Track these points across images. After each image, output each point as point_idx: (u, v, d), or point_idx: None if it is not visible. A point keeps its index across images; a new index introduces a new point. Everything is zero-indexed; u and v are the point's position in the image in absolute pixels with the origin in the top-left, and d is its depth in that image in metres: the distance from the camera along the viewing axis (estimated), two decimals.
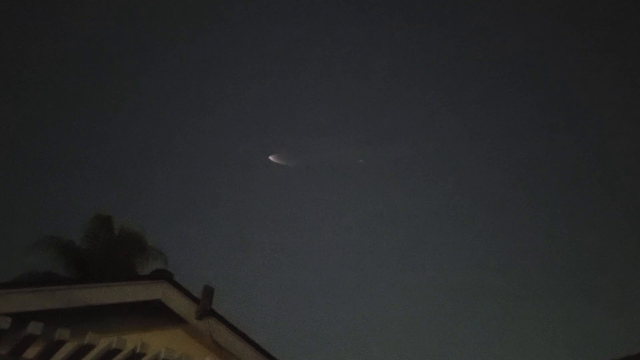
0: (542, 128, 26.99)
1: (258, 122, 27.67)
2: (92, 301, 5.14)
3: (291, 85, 27.43)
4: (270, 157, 26.03)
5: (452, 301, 24.85)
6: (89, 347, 3.23)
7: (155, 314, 5.63)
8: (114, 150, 26.51)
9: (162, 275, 5.80)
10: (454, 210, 27.10)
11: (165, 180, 26.27)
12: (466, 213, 26.83)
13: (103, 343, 3.30)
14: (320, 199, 27.39)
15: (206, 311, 5.69)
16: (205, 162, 27.42)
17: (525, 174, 27.14)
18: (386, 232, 27.13)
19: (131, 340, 3.76)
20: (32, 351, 3.42)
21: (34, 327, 3.09)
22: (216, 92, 26.53)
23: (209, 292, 5.89)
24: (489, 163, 26.99)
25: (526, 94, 26.82)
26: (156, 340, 4.94)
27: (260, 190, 26.72)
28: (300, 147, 27.56)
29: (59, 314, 4.61)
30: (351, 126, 28.05)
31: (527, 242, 26.32)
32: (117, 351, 3.36)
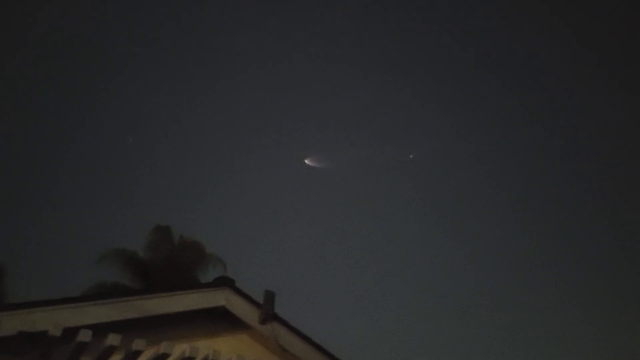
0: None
1: (290, 126, 27.82)
2: (161, 310, 5.30)
3: (325, 85, 27.43)
4: (306, 161, 25.92)
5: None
6: (164, 356, 3.35)
7: (219, 320, 5.74)
8: (152, 162, 27.42)
9: (225, 282, 5.91)
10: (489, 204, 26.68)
11: (208, 188, 26.91)
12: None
13: (177, 351, 3.41)
14: (366, 201, 27.17)
15: (269, 315, 5.75)
16: (240, 168, 27.87)
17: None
18: (443, 233, 26.69)
19: (200, 347, 3.86)
20: None
21: (113, 339, 3.24)
22: (243, 98, 26.94)
23: (270, 296, 5.95)
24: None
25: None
26: (223, 345, 5.04)
27: (296, 194, 26.85)
28: (336, 148, 27.44)
29: (129, 323, 4.81)
30: (397, 121, 27.74)
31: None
32: (190, 359, 3.46)
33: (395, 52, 26.73)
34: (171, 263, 15.48)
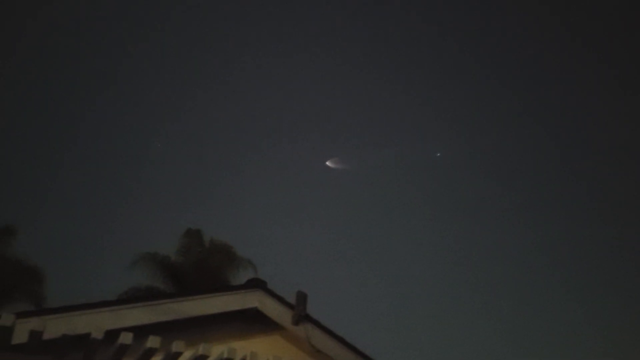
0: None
1: (311, 129, 27.84)
2: (196, 312, 5.39)
3: (345, 87, 27.35)
4: (328, 163, 25.92)
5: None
6: (202, 358, 3.41)
7: (251, 322, 5.80)
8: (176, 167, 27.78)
9: (257, 284, 5.96)
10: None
11: (234, 191, 27.16)
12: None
13: (215, 353, 3.46)
14: (391, 200, 26.99)
15: (302, 316, 5.78)
16: (263, 171, 27.99)
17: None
18: (475, 230, 26.36)
19: (237, 349, 3.90)
20: None
21: (153, 341, 3.32)
22: (267, 101, 27.07)
23: (302, 297, 5.98)
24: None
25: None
26: (257, 347, 5.07)
27: (317, 196, 26.86)
28: (358, 148, 27.32)
29: (164, 326, 4.90)
30: (422, 119, 27.47)
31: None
32: None
33: (422, 52, 26.57)
34: (202, 266, 15.69)
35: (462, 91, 27.21)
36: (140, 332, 3.56)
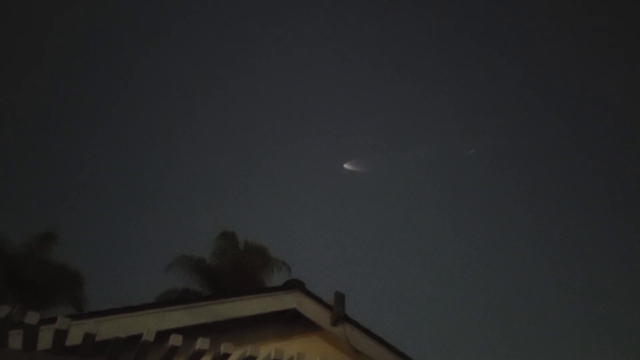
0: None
1: (329, 131, 27.70)
2: (236, 314, 5.49)
3: (366, 90, 27.15)
4: (345, 165, 25.73)
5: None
6: (250, 359, 3.46)
7: (290, 323, 5.84)
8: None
9: (295, 285, 6.02)
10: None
11: (252, 192, 27.30)
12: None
13: (262, 354, 3.52)
14: (414, 202, 26.60)
15: (340, 317, 5.81)
16: (282, 172, 28.03)
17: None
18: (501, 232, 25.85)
19: (284, 350, 3.94)
20: None
21: (202, 343, 3.40)
22: (284, 103, 27.10)
23: (340, 298, 6.00)
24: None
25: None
26: (297, 347, 5.11)
27: (334, 199, 26.72)
28: (378, 150, 27.05)
29: (204, 328, 4.99)
30: (451, 118, 27.09)
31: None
32: None
33: (451, 48, 26.24)
34: (237, 268, 15.85)
35: (491, 87, 26.74)
36: (181, 333, 3.64)
